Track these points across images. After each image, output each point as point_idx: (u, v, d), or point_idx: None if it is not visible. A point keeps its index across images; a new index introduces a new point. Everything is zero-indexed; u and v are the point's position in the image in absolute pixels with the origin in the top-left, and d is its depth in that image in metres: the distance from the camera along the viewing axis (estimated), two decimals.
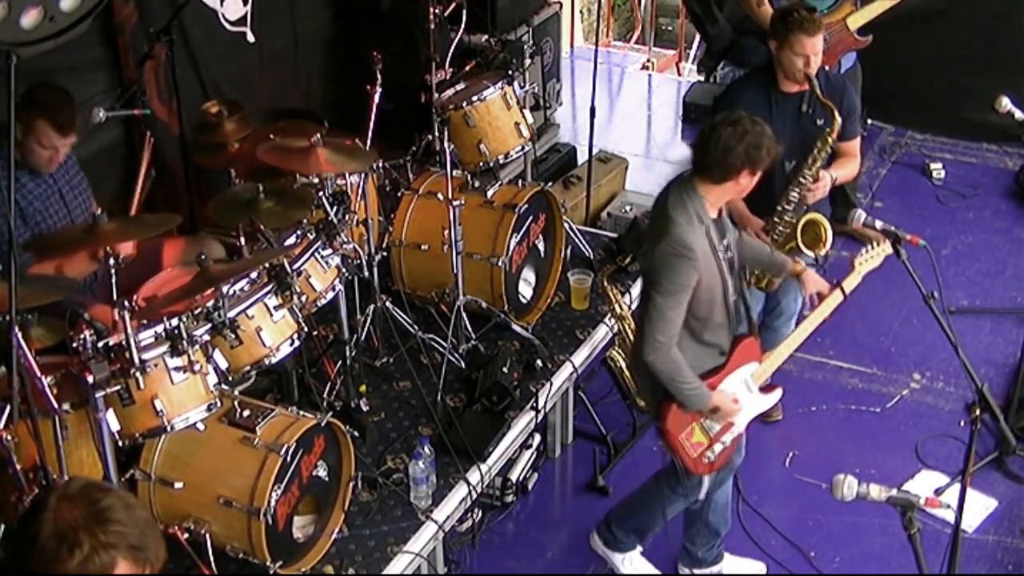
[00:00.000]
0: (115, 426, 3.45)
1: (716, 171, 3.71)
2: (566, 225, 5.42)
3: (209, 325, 3.65)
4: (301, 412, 3.98)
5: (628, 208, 6.38)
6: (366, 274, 4.67)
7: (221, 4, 5.49)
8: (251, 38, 5.69)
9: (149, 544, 2.03)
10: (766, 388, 4.13)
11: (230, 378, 3.85)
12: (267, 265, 3.87)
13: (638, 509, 4.38)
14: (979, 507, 4.76)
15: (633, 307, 5.25)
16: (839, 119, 4.46)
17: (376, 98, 4.95)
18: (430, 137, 5.15)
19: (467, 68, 5.50)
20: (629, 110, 8.29)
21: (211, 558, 3.77)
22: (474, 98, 5.04)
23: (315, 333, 4.62)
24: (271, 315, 3.85)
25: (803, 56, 4.44)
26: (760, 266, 4.27)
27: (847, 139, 4.68)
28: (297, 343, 3.94)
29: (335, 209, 4.23)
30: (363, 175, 4.63)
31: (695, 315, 3.81)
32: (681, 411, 3.90)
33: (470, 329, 5.02)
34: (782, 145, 4.56)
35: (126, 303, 3.39)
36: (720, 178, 3.72)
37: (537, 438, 4.97)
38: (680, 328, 3.76)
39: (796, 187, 4.55)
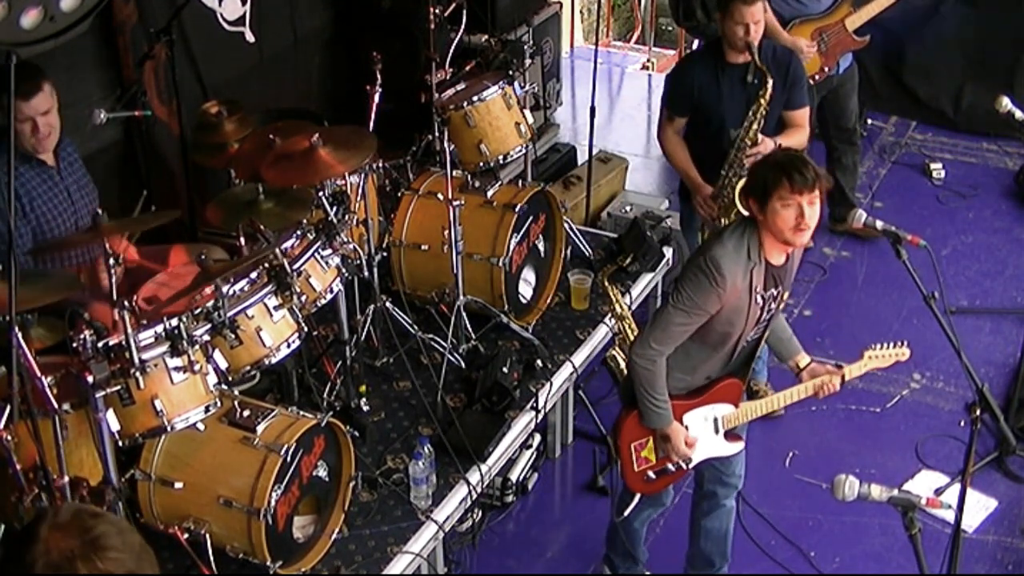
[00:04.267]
0: (115, 426, 3.44)
1: (748, 209, 3.61)
2: (566, 225, 5.42)
3: (209, 325, 3.65)
4: (301, 412, 3.98)
5: (628, 208, 6.38)
6: (366, 274, 4.66)
7: (219, 4, 5.49)
8: (250, 38, 5.69)
9: (145, 568, 1.97)
10: (732, 436, 4.03)
11: (230, 378, 3.84)
12: (267, 265, 3.87)
13: (612, 531, 4.36)
14: (979, 507, 4.77)
15: (633, 307, 5.26)
16: (771, 80, 4.59)
17: (376, 98, 4.94)
18: (430, 137, 5.15)
19: (467, 68, 5.49)
20: (629, 110, 8.30)
21: (211, 558, 3.77)
22: (474, 98, 5.03)
23: (315, 333, 4.61)
24: (271, 315, 3.84)
25: (743, 24, 4.55)
26: (771, 342, 4.07)
27: (795, 108, 4.80)
28: (297, 343, 3.94)
29: (335, 209, 4.23)
30: (363, 175, 4.63)
31: (704, 341, 3.72)
32: (639, 421, 3.85)
33: (470, 329, 5.02)
34: (728, 114, 4.69)
35: (126, 303, 3.39)
36: (753, 214, 3.58)
37: (537, 438, 4.97)
38: (677, 345, 3.69)
39: (737, 151, 4.66)
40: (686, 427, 3.89)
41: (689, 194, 4.90)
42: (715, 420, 3.95)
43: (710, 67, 4.74)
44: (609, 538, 4.40)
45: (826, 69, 5.64)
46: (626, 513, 4.12)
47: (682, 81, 4.83)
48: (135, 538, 2.00)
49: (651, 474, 3.97)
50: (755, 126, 4.63)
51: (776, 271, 3.66)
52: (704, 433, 3.94)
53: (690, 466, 4.00)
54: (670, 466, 3.96)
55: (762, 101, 4.62)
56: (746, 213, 3.68)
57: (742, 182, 4.48)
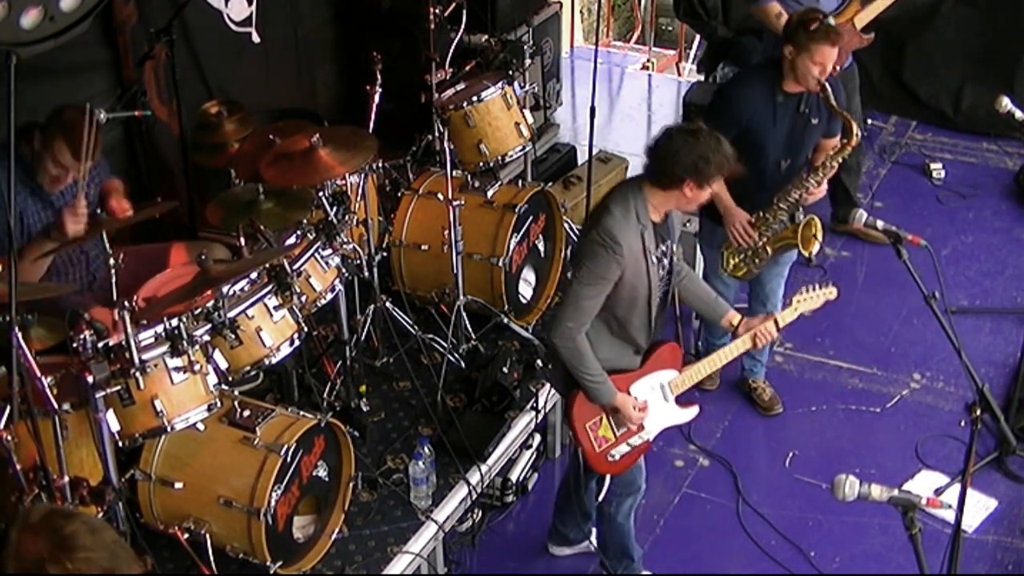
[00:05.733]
0: (115, 426, 3.45)
1: (662, 178, 3.69)
2: (566, 225, 5.42)
3: (209, 325, 3.65)
4: (301, 412, 3.98)
5: None
6: (366, 274, 4.67)
7: (226, 4, 5.49)
8: (256, 39, 5.69)
9: (120, 566, 1.97)
10: (685, 403, 4.08)
11: (230, 378, 3.84)
12: (267, 265, 3.87)
13: (602, 536, 4.37)
14: (979, 507, 4.76)
15: None
16: (858, 133, 4.53)
17: (376, 98, 4.94)
18: (430, 137, 5.15)
19: (467, 68, 5.49)
20: (629, 110, 8.29)
21: (211, 558, 3.77)
22: (474, 98, 5.03)
23: (315, 333, 4.62)
24: (271, 315, 3.85)
25: (821, 65, 4.45)
26: (700, 308, 4.21)
27: (832, 136, 4.74)
28: (297, 343, 3.94)
29: (335, 209, 4.23)
30: (363, 175, 4.63)
31: (614, 312, 3.79)
32: (586, 400, 3.88)
33: (470, 329, 5.02)
34: (781, 145, 4.63)
35: (126, 303, 3.39)
36: (665, 185, 3.69)
37: (537, 438, 4.97)
38: (593, 319, 3.75)
39: (798, 188, 4.57)
40: (635, 399, 3.93)
41: (716, 214, 4.74)
42: (662, 387, 3.99)
43: (767, 94, 4.58)
44: (601, 544, 4.40)
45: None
46: (600, 498, 4.12)
47: (736, 104, 4.63)
48: (109, 535, 2.00)
49: (614, 453, 3.98)
50: (828, 171, 4.56)
51: (659, 229, 3.80)
52: (655, 402, 3.98)
53: (651, 437, 4.03)
54: (632, 440, 3.98)
55: (847, 149, 4.55)
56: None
57: (806, 218, 4.42)
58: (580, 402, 3.88)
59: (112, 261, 3.61)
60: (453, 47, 5.31)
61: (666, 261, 3.87)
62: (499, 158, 5.14)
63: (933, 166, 7.13)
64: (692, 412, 4.14)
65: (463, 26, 5.49)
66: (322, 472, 3.99)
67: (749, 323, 4.02)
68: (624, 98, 8.52)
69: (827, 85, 4.48)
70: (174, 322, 3.51)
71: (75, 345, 3.33)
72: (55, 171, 3.95)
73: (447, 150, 4.90)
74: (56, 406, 3.28)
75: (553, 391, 4.83)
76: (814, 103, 4.60)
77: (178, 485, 3.80)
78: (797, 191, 4.58)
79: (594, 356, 3.77)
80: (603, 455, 3.97)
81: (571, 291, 3.75)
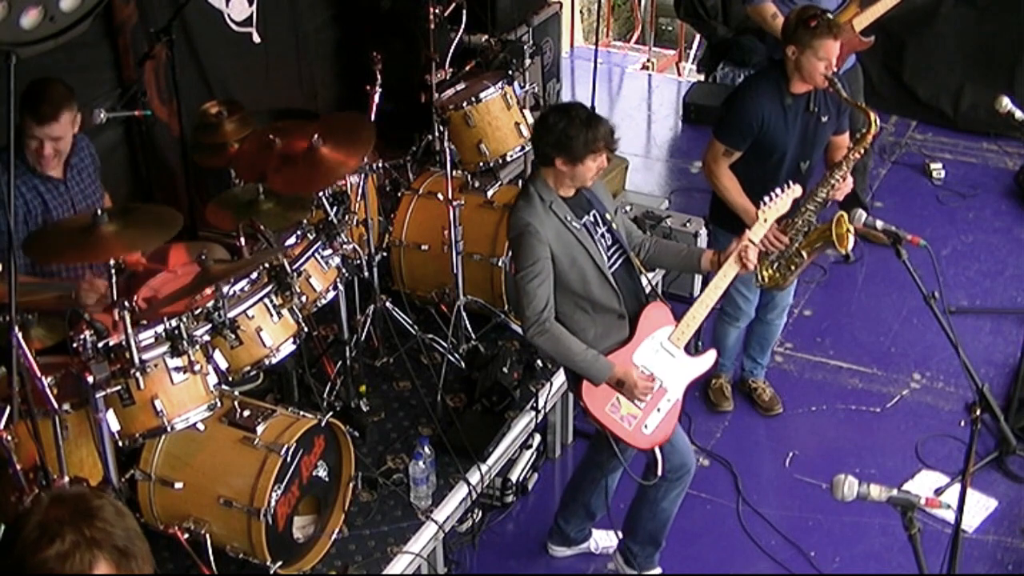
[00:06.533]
0: (115, 426, 3.45)
1: (539, 157, 3.85)
2: None
3: (209, 325, 3.65)
4: (301, 412, 3.98)
5: (628, 208, 6.38)
6: (366, 274, 4.67)
7: (227, 4, 5.49)
8: (257, 39, 5.70)
9: (135, 552, 1.99)
10: (698, 352, 4.08)
11: (230, 378, 3.84)
12: (267, 265, 3.87)
13: (633, 519, 4.34)
14: (979, 507, 4.76)
15: None
16: (876, 120, 4.51)
17: (376, 98, 4.94)
18: (430, 137, 5.15)
19: (467, 68, 5.49)
20: (629, 110, 8.29)
21: (211, 558, 3.77)
22: (474, 98, 5.03)
23: (315, 333, 4.62)
24: (271, 315, 3.85)
25: (826, 60, 4.43)
26: (677, 264, 4.28)
27: (842, 132, 4.76)
28: (297, 343, 3.94)
29: (335, 209, 4.23)
30: (363, 175, 4.64)
31: (573, 291, 3.84)
32: (593, 387, 3.87)
33: (470, 329, 5.02)
34: (796, 146, 4.60)
35: (126, 303, 3.39)
36: (543, 163, 3.83)
37: (537, 438, 4.97)
38: (564, 311, 3.81)
39: (824, 188, 4.54)
40: (643, 368, 3.91)
41: (736, 225, 4.60)
42: (662, 345, 3.98)
43: (776, 100, 4.55)
44: (629, 528, 4.37)
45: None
46: (659, 472, 4.07)
47: (748, 116, 4.57)
48: (132, 523, 2.02)
49: (647, 424, 3.96)
50: (850, 164, 4.53)
51: (574, 201, 3.90)
52: (663, 363, 3.97)
53: (678, 397, 4.01)
54: (659, 408, 3.96)
55: (867, 140, 4.52)
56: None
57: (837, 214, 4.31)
58: (588, 390, 3.88)
59: (112, 261, 3.60)
60: (453, 47, 5.30)
61: (602, 229, 3.92)
62: (499, 158, 5.13)
63: (933, 166, 7.13)
64: (710, 358, 4.08)
65: (463, 26, 5.48)
66: (322, 472, 3.99)
67: (728, 251, 3.97)
68: (624, 98, 8.53)
69: (835, 80, 4.46)
70: (174, 322, 3.51)
71: (75, 345, 3.33)
72: (32, 143, 3.93)
73: (447, 150, 4.90)
74: (56, 406, 3.28)
75: (553, 392, 4.84)
76: (822, 100, 4.59)
77: (178, 485, 3.80)
78: (824, 190, 4.53)
79: (574, 337, 3.81)
80: (637, 432, 3.94)
81: (518, 287, 3.86)
